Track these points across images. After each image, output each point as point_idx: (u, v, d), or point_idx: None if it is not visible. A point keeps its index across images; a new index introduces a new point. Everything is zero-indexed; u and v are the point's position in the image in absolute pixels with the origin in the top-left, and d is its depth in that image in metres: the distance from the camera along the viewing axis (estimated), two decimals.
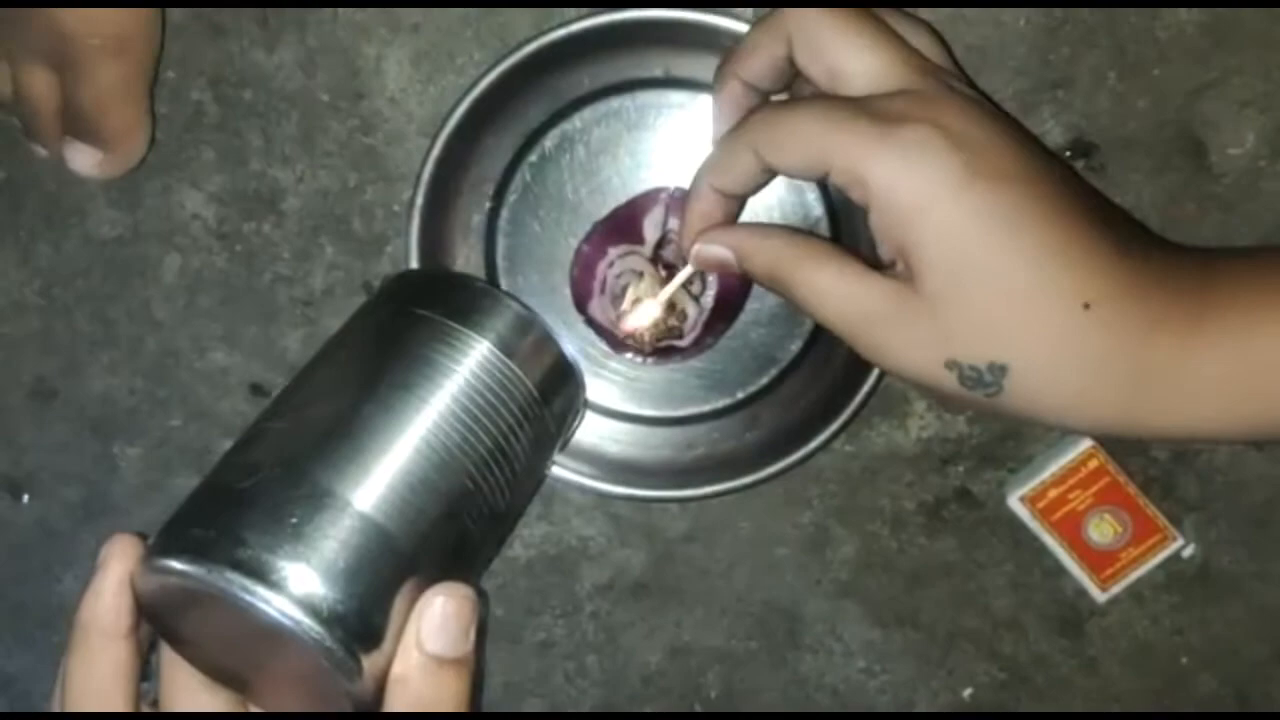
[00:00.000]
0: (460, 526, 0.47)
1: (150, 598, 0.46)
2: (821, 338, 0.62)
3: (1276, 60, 0.60)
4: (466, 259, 0.62)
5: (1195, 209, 0.61)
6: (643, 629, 0.67)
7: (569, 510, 0.66)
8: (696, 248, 0.55)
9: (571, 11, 0.60)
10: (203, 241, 0.64)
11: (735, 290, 0.62)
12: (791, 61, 0.52)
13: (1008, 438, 0.64)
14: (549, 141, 0.62)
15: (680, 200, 0.58)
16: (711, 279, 0.62)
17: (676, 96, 0.61)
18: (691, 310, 0.61)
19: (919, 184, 0.47)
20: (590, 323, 0.62)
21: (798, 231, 0.59)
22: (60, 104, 0.60)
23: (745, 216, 0.58)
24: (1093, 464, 0.62)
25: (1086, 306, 0.47)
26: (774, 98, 0.55)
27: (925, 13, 0.58)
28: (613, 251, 0.62)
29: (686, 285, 0.60)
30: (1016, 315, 0.48)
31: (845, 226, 0.61)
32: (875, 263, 0.50)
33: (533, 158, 0.62)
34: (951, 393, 0.49)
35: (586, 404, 0.58)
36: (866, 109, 0.49)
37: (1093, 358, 0.48)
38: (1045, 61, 0.61)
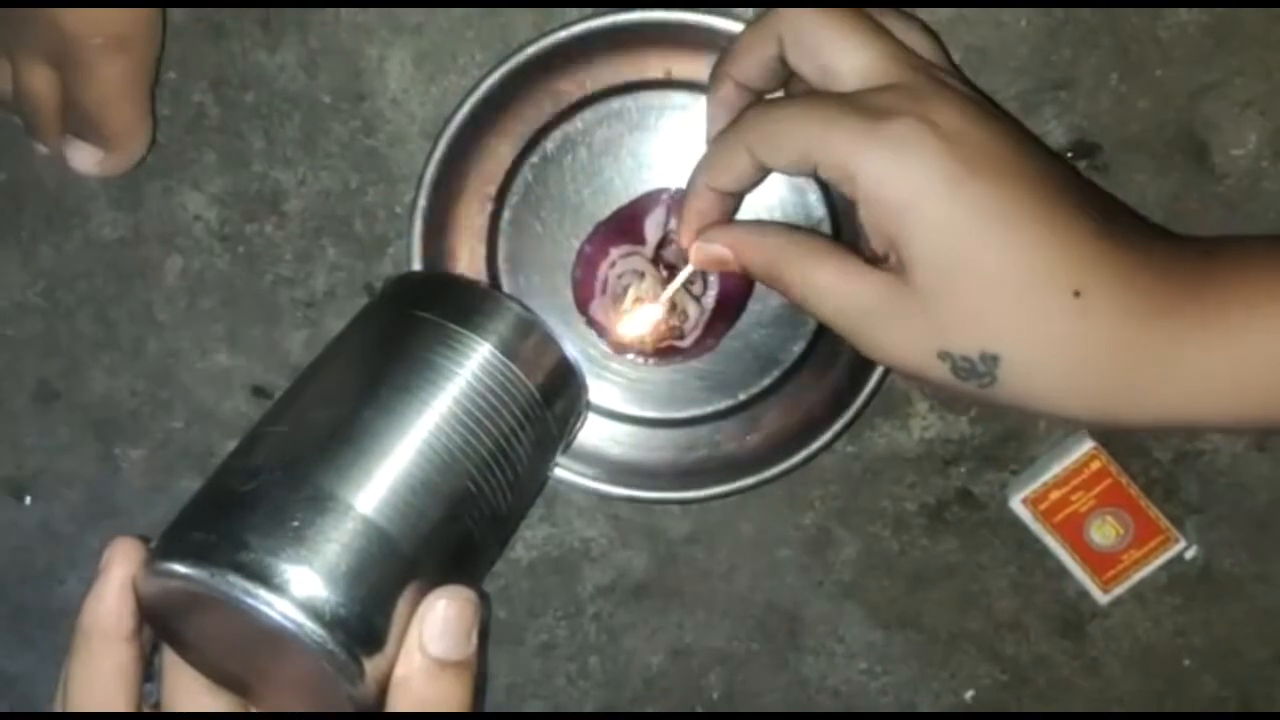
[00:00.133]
0: (462, 529, 0.47)
1: (152, 601, 0.46)
2: (824, 339, 0.62)
3: (1278, 61, 0.60)
4: (468, 260, 0.62)
5: (1198, 209, 0.61)
6: (645, 630, 0.67)
7: (571, 512, 0.66)
8: (695, 246, 0.55)
9: (573, 12, 0.60)
10: (205, 243, 0.64)
11: (737, 291, 0.62)
12: (784, 61, 0.52)
13: (1010, 439, 0.64)
14: (551, 143, 0.62)
15: (681, 201, 0.58)
16: (713, 279, 0.62)
17: (678, 97, 0.61)
18: (693, 311, 0.61)
19: (907, 178, 0.48)
20: (592, 324, 0.62)
21: (795, 228, 0.59)
22: (62, 102, 0.60)
23: (748, 217, 0.59)
24: (1095, 466, 0.62)
25: (1077, 295, 0.47)
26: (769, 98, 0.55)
27: (926, 14, 0.58)
28: (614, 252, 0.62)
29: (688, 286, 0.60)
30: (1006, 305, 0.48)
31: (846, 225, 0.61)
32: (875, 259, 0.50)
33: (534, 159, 0.62)
34: (946, 384, 0.50)
35: (588, 405, 0.58)
36: (855, 105, 0.49)
37: (1084, 346, 0.48)
38: (1047, 62, 0.61)
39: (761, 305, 0.62)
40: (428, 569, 0.45)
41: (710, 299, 0.62)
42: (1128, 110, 0.61)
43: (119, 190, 0.64)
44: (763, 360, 0.63)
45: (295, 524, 0.43)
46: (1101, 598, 0.64)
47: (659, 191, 0.61)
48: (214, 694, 0.48)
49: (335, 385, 0.49)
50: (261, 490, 0.44)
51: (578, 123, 0.61)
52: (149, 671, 0.48)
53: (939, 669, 0.67)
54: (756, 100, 0.55)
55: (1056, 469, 0.63)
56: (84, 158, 0.62)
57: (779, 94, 0.55)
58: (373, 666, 0.44)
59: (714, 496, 0.62)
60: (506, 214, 0.62)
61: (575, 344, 0.62)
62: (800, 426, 0.62)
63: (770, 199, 0.61)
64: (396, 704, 0.45)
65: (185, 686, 0.48)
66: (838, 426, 0.60)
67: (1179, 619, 0.66)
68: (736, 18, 0.58)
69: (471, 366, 0.48)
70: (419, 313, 0.50)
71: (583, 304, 0.62)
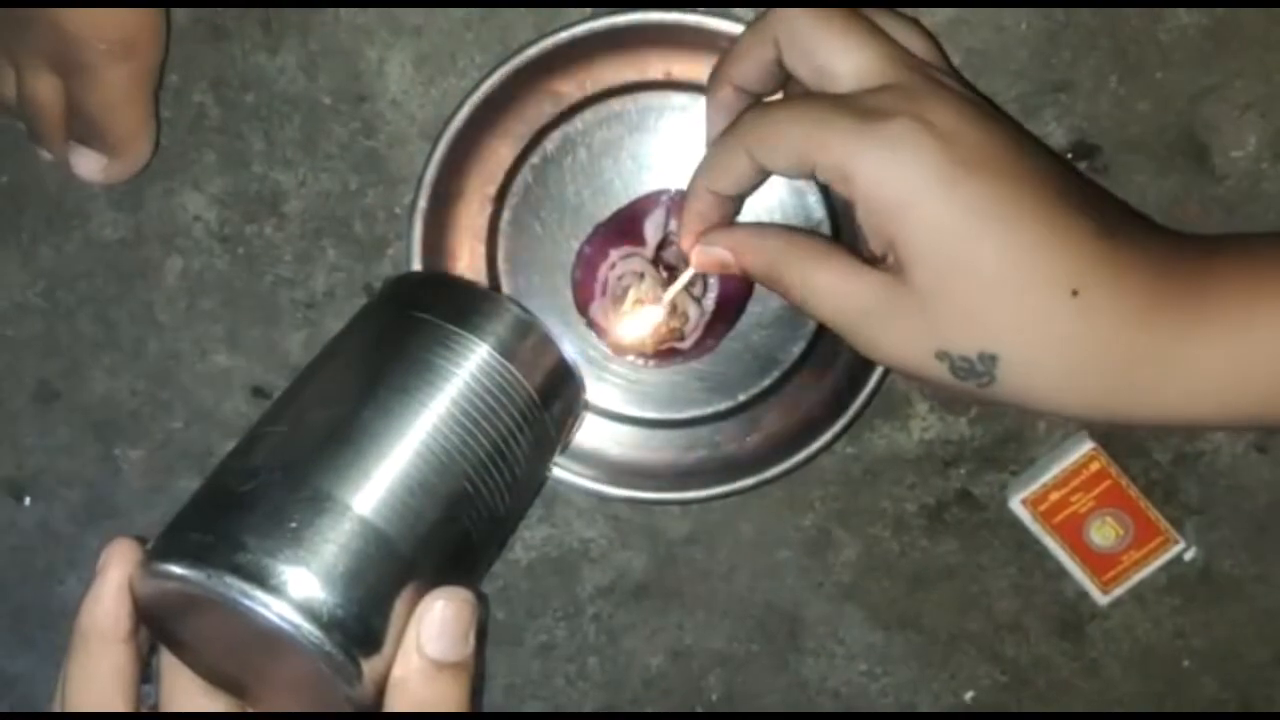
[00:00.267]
0: (460, 529, 0.47)
1: (149, 602, 0.45)
2: (823, 340, 0.62)
3: (1278, 63, 0.60)
4: (468, 261, 0.62)
5: (1198, 211, 0.61)
6: (644, 631, 0.67)
7: (570, 512, 0.66)
8: (697, 250, 0.55)
9: (573, 14, 0.60)
10: (204, 244, 0.64)
11: (737, 292, 0.62)
12: (782, 64, 0.52)
13: (1009, 440, 0.64)
14: (550, 144, 0.62)
15: (681, 202, 0.58)
16: (713, 281, 0.62)
17: (678, 99, 0.61)
18: (693, 312, 0.61)
19: (902, 178, 0.48)
20: (592, 325, 0.62)
21: (795, 230, 0.59)
22: (66, 109, 0.60)
23: (749, 219, 0.59)
24: (1094, 467, 0.62)
25: (1075, 293, 0.47)
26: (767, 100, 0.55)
27: (927, 16, 0.58)
28: (614, 253, 0.62)
29: (688, 287, 0.60)
30: (1004, 305, 0.48)
31: (846, 227, 0.61)
32: (875, 260, 0.50)
33: (534, 160, 0.62)
34: (945, 383, 0.50)
35: (587, 406, 0.58)
36: (851, 106, 0.49)
37: (1083, 345, 0.48)
38: (1047, 65, 0.61)
39: (761, 306, 0.62)
40: (425, 570, 0.45)
41: (710, 301, 0.62)
42: (1128, 112, 0.61)
43: (119, 191, 0.64)
44: (762, 361, 0.63)
45: (293, 525, 0.43)
46: (1101, 599, 0.64)
47: (659, 193, 0.61)
48: (211, 695, 0.48)
49: (334, 386, 0.49)
50: (259, 491, 0.44)
51: (578, 124, 0.61)
52: (147, 673, 0.48)
53: (939, 670, 0.67)
54: (755, 103, 0.55)
55: (1056, 470, 0.63)
56: (88, 164, 0.62)
57: (778, 96, 0.55)
58: (370, 667, 0.44)
59: (714, 497, 0.62)
60: (506, 215, 0.62)
61: (575, 345, 0.62)
62: (800, 427, 0.62)
63: (770, 201, 0.61)
64: (394, 705, 0.45)
65: (182, 688, 0.48)
66: (837, 427, 0.60)
67: (1179, 620, 0.66)
68: (736, 19, 0.58)
69: (470, 367, 0.48)
70: (417, 313, 0.50)
71: (582, 305, 0.62)
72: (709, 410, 0.63)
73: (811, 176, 0.50)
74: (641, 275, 0.61)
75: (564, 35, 0.59)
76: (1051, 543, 0.64)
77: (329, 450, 0.46)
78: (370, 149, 0.63)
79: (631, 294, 0.61)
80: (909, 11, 0.55)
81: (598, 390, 0.63)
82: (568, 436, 0.54)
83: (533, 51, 0.59)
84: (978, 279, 0.48)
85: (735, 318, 0.62)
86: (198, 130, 0.63)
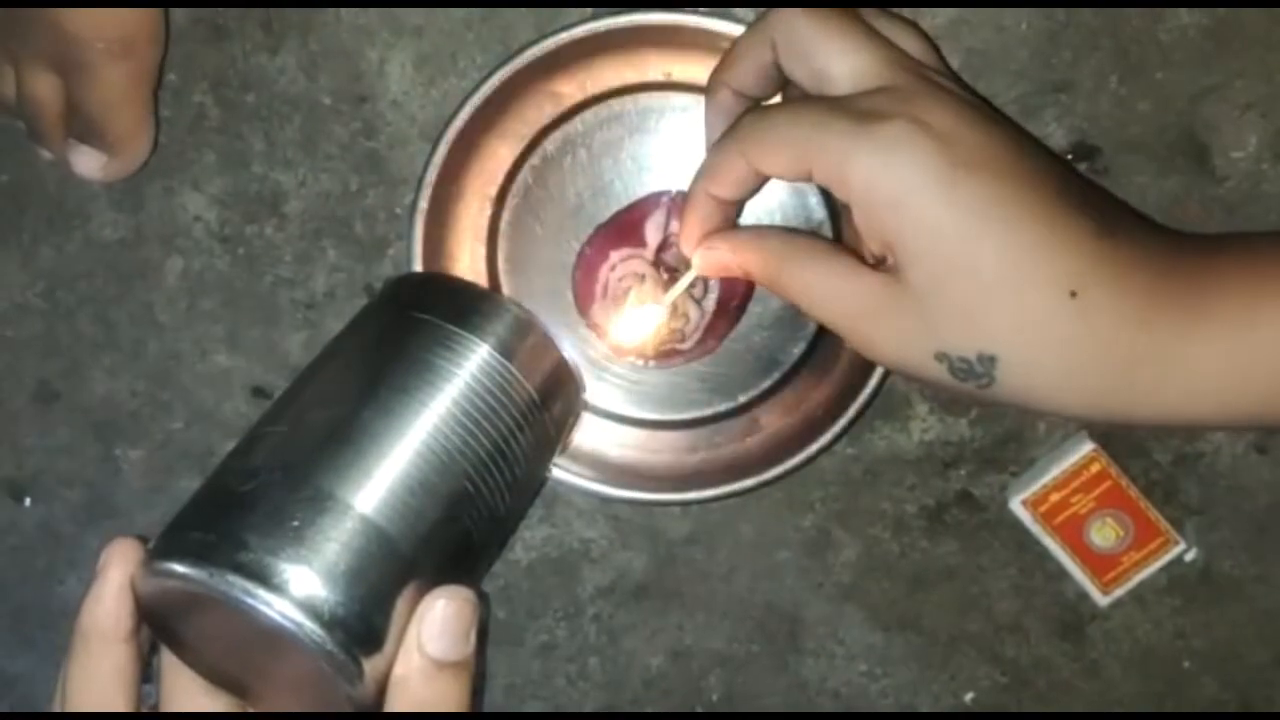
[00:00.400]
0: (461, 529, 0.47)
1: (150, 601, 0.46)
2: (824, 341, 0.62)
3: (1279, 63, 0.60)
4: (469, 262, 0.62)
5: (1198, 211, 0.61)
6: (644, 632, 0.67)
7: (571, 513, 0.66)
8: (699, 253, 0.55)
9: (574, 14, 0.60)
10: (205, 244, 0.64)
11: (737, 293, 0.62)
12: (780, 67, 0.52)
13: (1009, 441, 0.64)
14: (551, 145, 0.62)
15: (681, 205, 0.58)
16: (713, 282, 0.62)
17: (678, 100, 0.61)
18: (693, 313, 0.61)
19: (898, 180, 0.48)
20: (592, 326, 0.62)
21: (795, 232, 0.59)
22: (65, 107, 0.60)
23: (749, 222, 0.59)
24: (1094, 468, 0.62)
25: (1074, 294, 0.47)
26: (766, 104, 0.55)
27: (927, 18, 0.58)
28: (615, 255, 0.62)
29: (688, 289, 0.60)
30: (1003, 306, 0.48)
31: (846, 229, 0.61)
32: (875, 261, 0.50)
33: (535, 161, 0.62)
34: (945, 384, 0.50)
35: (587, 406, 0.58)
36: (846, 108, 0.49)
37: (1083, 346, 0.48)
38: (1047, 65, 0.61)
39: (762, 307, 0.62)
40: (426, 569, 0.45)
41: (711, 302, 0.62)
42: (1128, 113, 0.61)
43: (120, 191, 0.64)
44: (763, 362, 0.63)
45: (294, 524, 0.43)
46: (1101, 600, 0.64)
47: (659, 194, 0.61)
48: (212, 695, 0.48)
49: (334, 386, 0.49)
50: (261, 490, 0.44)
51: (578, 125, 0.61)
52: (147, 672, 0.48)
53: (939, 671, 0.67)
54: (753, 107, 0.55)
55: (1056, 471, 0.63)
56: (87, 163, 0.62)
57: (777, 99, 0.55)
58: (371, 666, 0.44)
59: (714, 498, 0.62)
60: (506, 216, 0.62)
61: (575, 346, 0.62)
62: (800, 428, 0.62)
63: (770, 203, 0.61)
64: (394, 704, 0.45)
65: (183, 687, 0.48)
66: (837, 428, 0.60)
67: (1179, 621, 0.66)
68: (737, 20, 0.58)
69: (470, 367, 0.48)
70: (417, 314, 0.50)
71: (583, 306, 0.62)
72: (709, 411, 0.63)
73: (809, 179, 0.50)
74: (642, 277, 0.61)
75: (564, 36, 0.59)
76: (1052, 544, 0.63)
77: (330, 450, 0.46)
78: (371, 149, 0.63)
79: (632, 295, 0.61)
80: (909, 12, 0.55)
81: (598, 391, 0.63)
82: (568, 436, 0.54)
83: (533, 52, 0.59)
84: (976, 280, 0.48)
85: (736, 319, 0.62)
86: (198, 130, 0.63)
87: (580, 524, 0.66)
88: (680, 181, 0.60)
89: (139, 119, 0.61)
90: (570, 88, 0.61)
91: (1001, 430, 0.64)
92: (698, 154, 0.55)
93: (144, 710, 0.48)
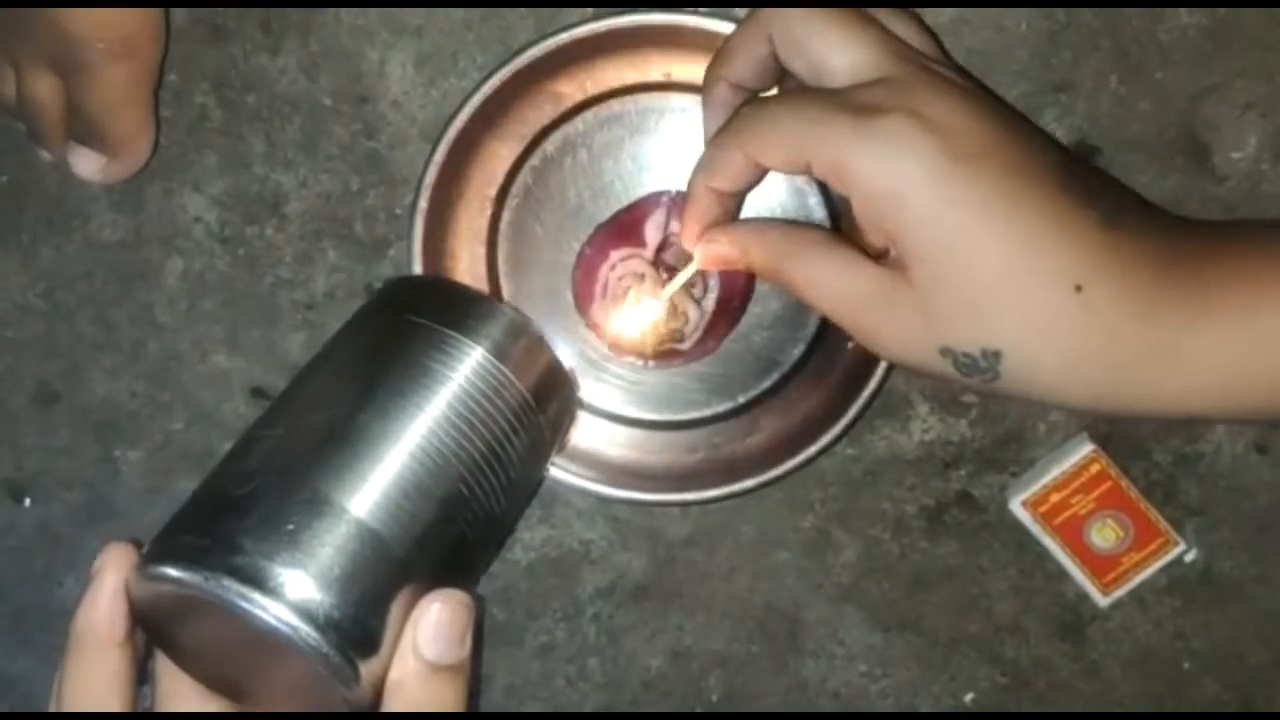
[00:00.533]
0: (456, 531, 0.47)
1: (146, 605, 0.45)
2: (823, 342, 0.62)
3: (1279, 63, 0.60)
4: (469, 262, 0.62)
5: (1198, 211, 0.61)
6: (644, 632, 0.67)
7: (570, 514, 0.66)
8: (700, 247, 0.55)
9: (574, 15, 0.60)
10: (205, 245, 0.64)
11: (737, 293, 0.62)
12: (777, 59, 0.52)
13: (1009, 441, 0.64)
14: (551, 145, 0.62)
15: (681, 202, 0.58)
16: (713, 282, 0.62)
17: (678, 100, 0.61)
18: (693, 314, 0.61)
19: (897, 173, 0.47)
20: (592, 326, 0.62)
21: (797, 224, 0.59)
22: (65, 109, 0.60)
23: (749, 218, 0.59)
24: (1095, 468, 0.62)
25: (1078, 288, 0.47)
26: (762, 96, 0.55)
27: (928, 18, 0.58)
28: (614, 255, 0.62)
29: (688, 289, 0.60)
30: (1007, 300, 0.48)
31: (846, 226, 0.60)
32: (878, 254, 0.50)
33: (535, 161, 0.62)
34: (949, 378, 0.49)
35: (582, 407, 0.58)
36: (844, 101, 0.49)
37: (1087, 340, 0.48)
38: (1047, 65, 0.61)
39: (762, 308, 0.62)
40: (422, 572, 0.45)
41: (710, 302, 0.62)
42: (1128, 112, 0.61)
43: (119, 192, 0.64)
44: (763, 363, 0.63)
45: (290, 527, 0.43)
46: (1101, 600, 0.64)
47: (659, 194, 0.61)
48: (207, 698, 0.48)
49: (329, 389, 0.49)
50: (256, 494, 0.45)
51: (578, 125, 0.61)
52: (143, 675, 0.48)
53: (939, 672, 0.67)
54: (751, 99, 0.55)
55: (1056, 472, 0.62)
56: (87, 164, 0.62)
57: (773, 91, 0.55)
58: (367, 670, 0.44)
59: (714, 499, 0.62)
60: (506, 216, 0.62)
61: (575, 346, 0.62)
62: (800, 429, 0.62)
63: (770, 200, 0.61)
64: (391, 707, 0.45)
65: (179, 691, 0.48)
66: (837, 429, 0.60)
67: (1179, 622, 0.66)
68: (736, 20, 0.57)
69: (464, 370, 0.48)
70: (412, 317, 0.50)
71: (583, 306, 0.62)
72: (709, 412, 0.63)
73: (808, 172, 0.50)
74: (642, 276, 0.61)
75: (565, 36, 0.59)
76: (1052, 544, 0.63)
77: (325, 453, 0.46)
78: (371, 150, 0.63)
79: (632, 295, 0.61)
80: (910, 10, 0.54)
81: (598, 391, 0.63)
82: (563, 438, 0.54)
83: (533, 52, 0.59)
84: (979, 274, 0.47)
85: (736, 319, 0.62)
86: (198, 131, 0.63)
87: (580, 525, 0.66)
88: (680, 182, 0.60)
89: (139, 120, 0.61)
90: (570, 88, 0.61)
91: (1001, 431, 0.64)
92: (698, 154, 0.55)
93: (140, 712, 0.48)
